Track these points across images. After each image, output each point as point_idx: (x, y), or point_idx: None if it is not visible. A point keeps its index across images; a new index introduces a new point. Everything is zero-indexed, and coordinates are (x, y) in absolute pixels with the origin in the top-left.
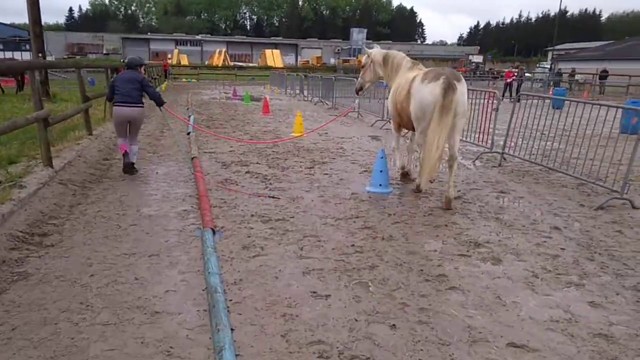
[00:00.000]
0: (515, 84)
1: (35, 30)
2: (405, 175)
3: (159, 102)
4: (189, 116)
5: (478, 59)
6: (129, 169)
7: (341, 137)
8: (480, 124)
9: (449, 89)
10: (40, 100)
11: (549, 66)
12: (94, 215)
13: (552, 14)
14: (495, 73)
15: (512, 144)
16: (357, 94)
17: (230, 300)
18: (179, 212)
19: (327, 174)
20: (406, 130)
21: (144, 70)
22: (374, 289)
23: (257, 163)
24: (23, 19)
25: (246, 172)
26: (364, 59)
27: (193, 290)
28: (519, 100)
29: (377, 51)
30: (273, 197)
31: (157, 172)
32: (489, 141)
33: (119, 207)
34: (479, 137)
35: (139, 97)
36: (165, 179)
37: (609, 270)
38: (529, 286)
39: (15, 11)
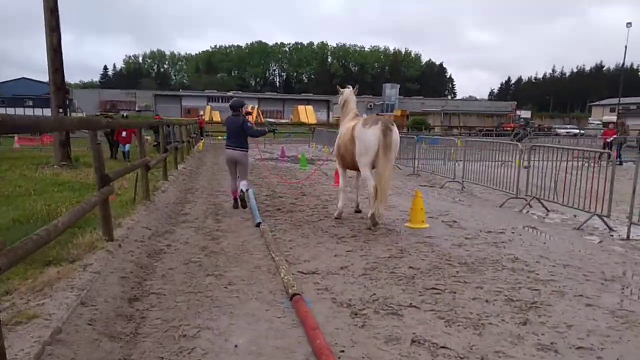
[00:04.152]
0: (615, 144)
1: (56, 81)
2: (358, 212)
3: (261, 134)
4: (246, 190)
5: (526, 114)
6: (241, 203)
7: (485, 230)
8: (591, 188)
9: (387, 130)
10: None
11: (599, 121)
12: None
13: (587, 68)
14: (546, 129)
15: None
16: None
17: None
18: None
19: (561, 334)
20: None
21: (243, 112)
22: None
23: (413, 306)
24: None
25: (413, 342)
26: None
27: None
28: (620, 163)
29: (348, 91)
30: None
31: (235, 345)
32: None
33: None
34: (590, 204)
35: (242, 141)
36: None
37: None
38: None
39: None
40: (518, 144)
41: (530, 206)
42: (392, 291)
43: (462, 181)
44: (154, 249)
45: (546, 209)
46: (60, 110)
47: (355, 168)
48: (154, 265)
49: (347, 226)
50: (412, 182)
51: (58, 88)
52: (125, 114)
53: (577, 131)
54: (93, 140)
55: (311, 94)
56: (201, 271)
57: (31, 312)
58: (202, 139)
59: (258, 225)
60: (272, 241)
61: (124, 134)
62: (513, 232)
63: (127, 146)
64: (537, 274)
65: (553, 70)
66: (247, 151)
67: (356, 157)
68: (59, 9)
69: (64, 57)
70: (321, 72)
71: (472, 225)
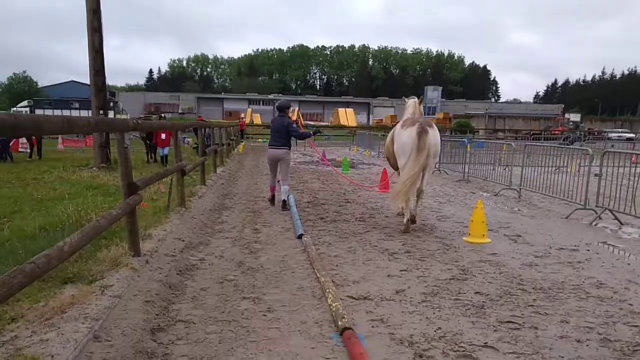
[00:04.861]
0: None
1: (97, 82)
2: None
3: (305, 137)
4: (288, 197)
5: (576, 117)
6: (283, 207)
7: (555, 247)
8: None
9: (422, 132)
10: None
11: None
12: None
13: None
14: (596, 133)
15: None
16: None
17: None
18: None
19: None
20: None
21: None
22: None
23: (489, 346)
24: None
25: None
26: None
27: None
28: None
29: (412, 102)
30: None
31: None
32: None
33: None
34: None
35: (285, 141)
36: None
37: None
38: None
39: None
40: (589, 149)
41: (600, 218)
42: (460, 324)
43: (520, 189)
44: (185, 264)
45: (619, 221)
46: (101, 112)
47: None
48: (184, 284)
49: (399, 239)
50: (463, 189)
51: (99, 90)
52: (163, 115)
53: (631, 135)
54: (120, 144)
55: (351, 97)
56: (237, 293)
57: (31, 352)
58: (242, 142)
59: (300, 237)
60: (316, 257)
61: (163, 136)
62: (588, 250)
63: (166, 149)
64: (631, 305)
65: (603, 73)
66: (289, 150)
67: (396, 158)
68: (102, 10)
69: (111, 61)
70: (362, 74)
71: (540, 241)
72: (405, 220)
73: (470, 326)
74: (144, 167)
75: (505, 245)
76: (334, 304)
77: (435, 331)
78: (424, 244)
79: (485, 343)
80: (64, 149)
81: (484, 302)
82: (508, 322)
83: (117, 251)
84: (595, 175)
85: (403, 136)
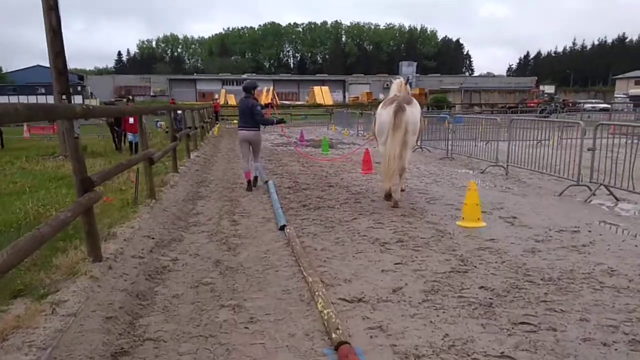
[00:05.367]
0: None
1: (57, 65)
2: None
3: (267, 123)
4: (266, 181)
5: (550, 89)
6: (252, 184)
7: (554, 229)
8: None
9: (399, 110)
10: None
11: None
12: None
13: (609, 41)
14: (571, 104)
15: None
16: None
17: None
18: None
19: None
20: None
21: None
22: None
23: (507, 356)
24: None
25: None
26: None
27: None
28: None
29: (397, 81)
30: None
31: None
32: None
33: None
34: None
35: (254, 122)
36: None
37: None
38: None
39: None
40: (580, 122)
41: (595, 195)
42: (469, 329)
43: (507, 165)
44: (155, 266)
45: (615, 197)
46: (64, 97)
47: None
48: (154, 291)
49: (389, 226)
50: (448, 167)
51: (60, 73)
52: (129, 97)
53: (605, 106)
54: (68, 133)
55: (326, 75)
56: (214, 300)
57: None
58: (217, 124)
59: (282, 228)
60: (302, 252)
61: (131, 120)
62: (590, 231)
63: (137, 136)
64: None
65: (574, 44)
66: (259, 130)
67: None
68: None
69: (78, 44)
70: (335, 52)
71: (537, 222)
72: (393, 201)
73: (480, 330)
74: (113, 155)
75: (502, 228)
76: (325, 311)
77: (442, 339)
78: (416, 231)
79: (502, 353)
80: (29, 137)
81: (491, 299)
82: (522, 323)
83: (75, 256)
84: (589, 149)
85: (382, 116)
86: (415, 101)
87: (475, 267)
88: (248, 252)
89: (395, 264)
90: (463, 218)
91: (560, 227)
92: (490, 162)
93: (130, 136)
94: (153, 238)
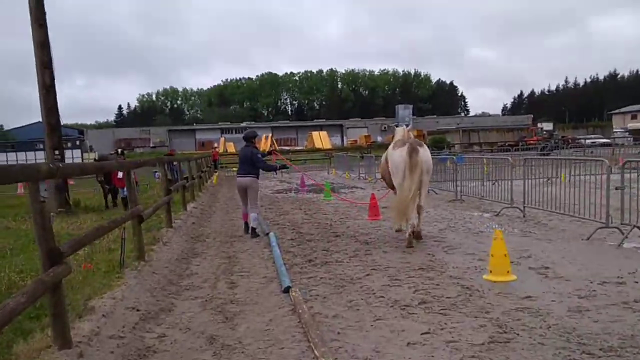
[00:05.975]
0: None
1: (50, 121)
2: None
3: (270, 169)
4: (267, 233)
5: (548, 126)
6: (253, 234)
7: (595, 280)
8: None
9: (412, 151)
10: None
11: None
12: None
13: (601, 77)
14: (570, 140)
15: None
16: None
17: None
18: None
19: None
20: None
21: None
22: None
23: None
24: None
25: None
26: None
27: None
28: None
29: (399, 129)
30: None
31: None
32: None
33: None
34: None
35: (251, 169)
36: None
37: None
38: None
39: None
40: (604, 160)
41: (627, 237)
42: None
43: (524, 207)
44: (137, 347)
45: None
46: (57, 152)
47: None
48: None
49: (407, 283)
50: (459, 210)
51: (53, 129)
52: (120, 150)
53: (606, 140)
54: (33, 197)
55: (324, 120)
56: None
57: None
58: (216, 172)
59: (287, 290)
60: (311, 322)
61: (120, 174)
62: (637, 282)
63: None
64: None
65: (566, 82)
66: (256, 177)
67: (391, 177)
68: (62, 48)
69: (79, 100)
70: (332, 98)
71: (573, 273)
72: (407, 235)
73: None
74: (106, 212)
75: (536, 282)
76: None
77: None
78: (440, 289)
79: None
80: (23, 193)
81: None
82: None
83: (40, 342)
84: (617, 188)
85: (395, 156)
86: (424, 144)
87: (518, 334)
88: (248, 323)
89: (422, 333)
90: (490, 271)
91: (602, 278)
92: (504, 204)
93: (120, 191)
94: (138, 310)
